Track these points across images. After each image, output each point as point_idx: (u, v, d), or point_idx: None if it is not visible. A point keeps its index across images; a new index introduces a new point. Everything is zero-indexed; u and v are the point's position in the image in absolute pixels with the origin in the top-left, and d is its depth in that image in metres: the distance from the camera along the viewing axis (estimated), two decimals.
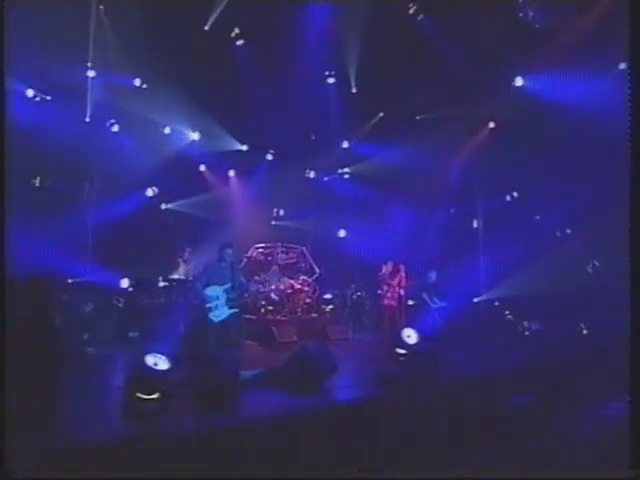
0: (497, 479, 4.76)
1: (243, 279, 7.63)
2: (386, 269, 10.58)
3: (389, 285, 10.37)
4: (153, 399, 4.31)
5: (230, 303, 7.03)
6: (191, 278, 9.80)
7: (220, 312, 6.94)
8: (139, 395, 4.26)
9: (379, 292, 10.45)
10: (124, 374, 4.53)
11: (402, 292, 10.35)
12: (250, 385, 5.90)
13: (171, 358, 4.98)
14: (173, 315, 9.07)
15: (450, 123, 13.18)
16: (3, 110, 3.67)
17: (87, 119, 11.37)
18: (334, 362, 6.50)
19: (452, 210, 14.61)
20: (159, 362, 4.55)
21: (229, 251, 7.24)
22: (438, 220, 13.90)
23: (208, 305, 6.93)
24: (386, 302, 10.38)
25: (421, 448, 5.51)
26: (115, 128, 11.97)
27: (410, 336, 6.32)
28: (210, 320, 6.89)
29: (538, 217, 13.49)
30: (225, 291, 7.04)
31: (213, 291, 6.98)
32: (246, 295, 10.51)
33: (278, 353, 8.72)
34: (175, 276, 10.25)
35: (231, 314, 7.01)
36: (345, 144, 15.06)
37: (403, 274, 10.35)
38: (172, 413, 4.53)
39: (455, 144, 13.84)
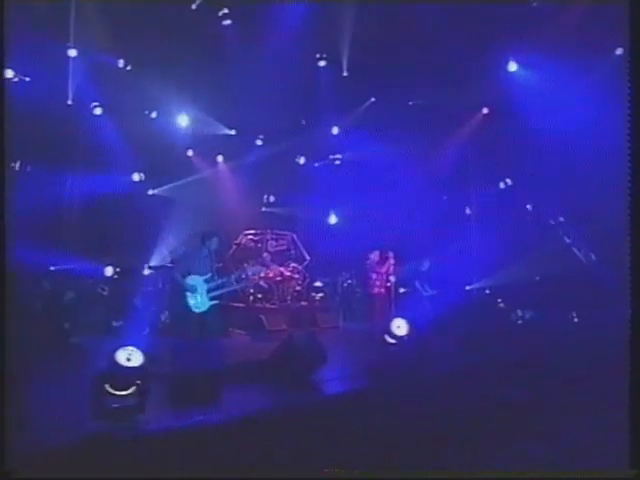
0: (494, 479, 4.64)
1: (232, 267, 7.29)
2: (373, 257, 10.39)
3: (377, 273, 10.18)
4: (127, 395, 4.05)
5: (211, 294, 6.73)
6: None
7: (200, 303, 6.64)
8: (110, 391, 4.00)
9: (369, 281, 10.25)
10: (95, 370, 4.24)
11: (392, 279, 10.16)
12: (234, 378, 5.65)
13: (151, 350, 4.73)
14: (158, 304, 8.83)
15: (443, 109, 12.93)
16: (3, 109, 3.58)
17: (69, 101, 10.97)
18: (323, 353, 6.29)
19: (445, 197, 14.44)
20: (132, 356, 4.25)
21: (214, 240, 6.92)
22: (430, 207, 13.70)
23: (189, 295, 6.61)
24: (375, 290, 10.20)
25: (413, 443, 5.34)
26: (98, 111, 11.59)
27: (400, 327, 6.11)
28: (191, 311, 6.58)
29: (532, 205, 13.34)
30: (205, 281, 6.73)
31: (193, 281, 6.67)
32: (235, 284, 10.26)
33: (267, 342, 8.55)
34: (160, 264, 9.98)
35: (212, 305, 6.70)
36: (336, 129, 14.75)
37: (392, 261, 10.16)
38: (150, 409, 4.29)
39: (448, 130, 13.62)
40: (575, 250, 12.33)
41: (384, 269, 10.16)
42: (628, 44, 3.34)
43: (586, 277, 11.15)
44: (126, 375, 4.05)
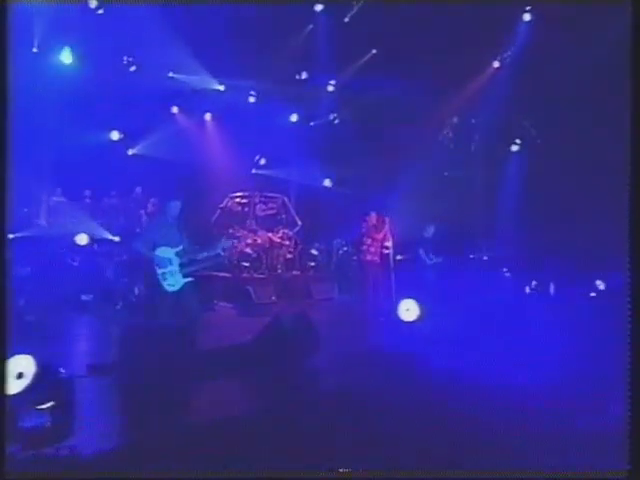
0: (494, 479, 4.05)
1: (216, 233, 6.18)
2: (370, 220, 9.51)
3: (373, 239, 9.30)
4: (46, 408, 3.13)
5: (184, 270, 5.76)
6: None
7: (174, 280, 5.67)
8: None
9: (362, 247, 9.40)
10: None
11: (388, 246, 9.32)
12: (209, 370, 4.78)
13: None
14: (130, 276, 7.99)
15: (450, 62, 11.89)
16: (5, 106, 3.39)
17: (34, 49, 9.91)
18: (315, 337, 5.43)
19: (450, 158, 13.55)
20: (25, 368, 3.24)
21: (173, 205, 5.85)
22: (435, 169, 12.81)
23: (161, 270, 5.64)
24: (369, 257, 9.36)
25: (415, 442, 4.61)
26: (69, 60, 10.47)
27: (410, 310, 5.18)
28: (162, 289, 5.62)
29: (544, 166, 12.51)
30: (177, 254, 5.76)
31: (165, 253, 5.68)
32: (222, 253, 9.35)
33: (254, 317, 7.96)
34: (137, 231, 9.09)
35: (185, 284, 5.74)
36: (333, 85, 13.73)
37: (388, 228, 9.29)
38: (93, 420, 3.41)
39: (455, 86, 12.73)
40: (589, 218, 11.52)
41: (380, 235, 9.25)
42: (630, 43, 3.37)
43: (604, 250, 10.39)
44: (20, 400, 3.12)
